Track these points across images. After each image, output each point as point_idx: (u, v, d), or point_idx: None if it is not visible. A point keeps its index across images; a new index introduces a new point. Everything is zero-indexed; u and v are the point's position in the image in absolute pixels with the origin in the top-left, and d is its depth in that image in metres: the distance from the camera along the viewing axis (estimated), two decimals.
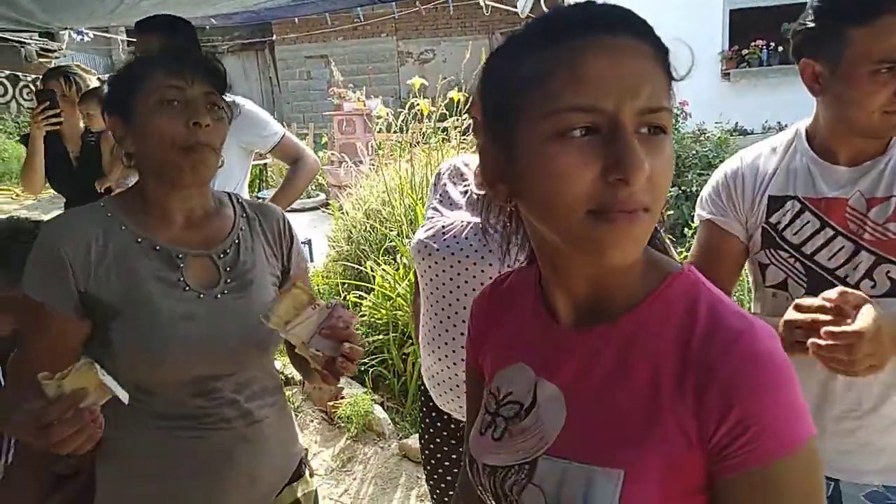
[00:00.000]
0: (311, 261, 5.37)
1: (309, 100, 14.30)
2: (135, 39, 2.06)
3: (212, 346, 1.06)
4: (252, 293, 1.12)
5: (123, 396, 0.91)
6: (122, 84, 1.08)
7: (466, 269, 1.37)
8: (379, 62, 13.63)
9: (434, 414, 1.57)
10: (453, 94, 3.72)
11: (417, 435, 2.80)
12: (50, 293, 1.02)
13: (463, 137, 4.39)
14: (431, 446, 1.63)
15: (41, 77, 3.01)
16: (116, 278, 1.03)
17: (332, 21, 11.59)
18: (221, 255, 1.12)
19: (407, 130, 4.66)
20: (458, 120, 4.18)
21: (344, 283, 4.02)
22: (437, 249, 1.41)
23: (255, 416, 1.14)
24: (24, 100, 12.09)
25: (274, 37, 13.62)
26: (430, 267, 1.43)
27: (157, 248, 1.07)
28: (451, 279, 1.39)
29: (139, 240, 1.06)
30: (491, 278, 1.37)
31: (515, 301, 0.81)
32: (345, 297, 3.90)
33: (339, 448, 2.87)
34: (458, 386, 1.43)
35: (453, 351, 1.39)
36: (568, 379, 0.68)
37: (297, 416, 3.10)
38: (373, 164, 5.66)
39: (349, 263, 4.17)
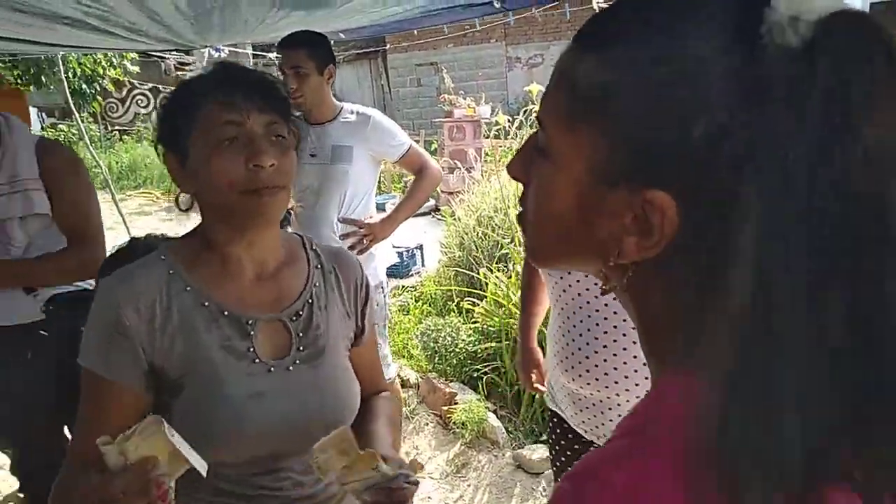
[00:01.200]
0: (423, 265, 5.48)
1: (419, 107, 14.64)
2: (279, 55, 2.18)
3: (280, 427, 0.95)
4: (324, 363, 1.00)
5: (201, 466, 0.78)
6: (173, 119, 0.95)
7: (596, 284, 1.33)
8: (488, 68, 13.70)
9: (567, 434, 1.54)
10: None
11: (532, 445, 2.79)
12: (114, 365, 0.90)
13: None
14: (560, 463, 1.61)
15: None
16: (181, 349, 0.92)
17: (444, 29, 11.78)
18: (294, 319, 0.99)
19: (518, 136, 4.65)
20: None
21: (456, 290, 4.06)
22: (569, 270, 1.38)
23: (321, 500, 1.02)
24: None
25: (387, 46, 14.05)
26: (561, 280, 1.41)
27: (226, 313, 0.94)
28: (595, 297, 1.35)
29: (205, 303, 0.94)
30: None
31: None
32: (458, 304, 3.94)
33: (453, 453, 2.90)
34: (602, 408, 1.40)
35: (596, 368, 1.36)
36: None
37: (412, 418, 3.16)
38: (484, 171, 5.69)
39: (461, 270, 4.21)
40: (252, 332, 0.95)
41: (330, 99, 2.30)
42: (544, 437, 2.91)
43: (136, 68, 12.26)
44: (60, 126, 12.63)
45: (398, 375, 2.83)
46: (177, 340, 0.92)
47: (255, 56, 15.61)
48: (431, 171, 2.42)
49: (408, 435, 3.02)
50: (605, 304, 1.35)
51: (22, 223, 1.68)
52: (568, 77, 0.46)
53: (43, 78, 9.64)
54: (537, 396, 3.05)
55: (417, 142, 2.47)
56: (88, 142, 8.91)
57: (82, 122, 8.94)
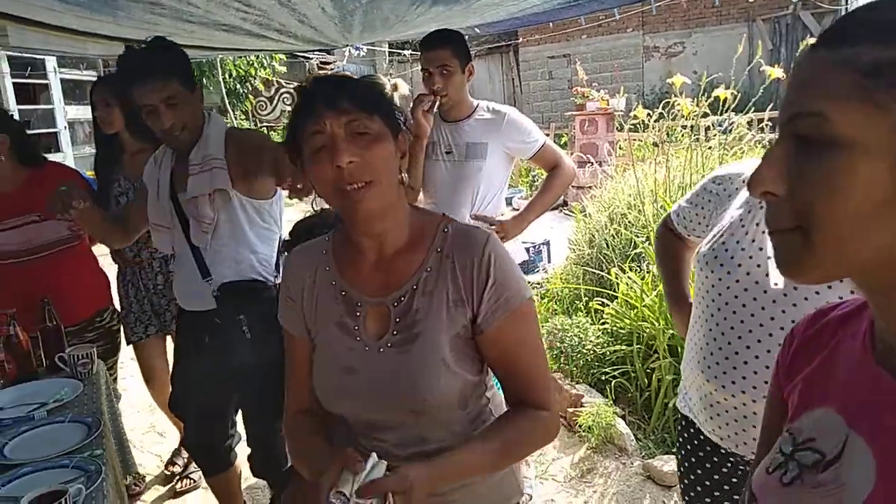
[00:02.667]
0: (549, 262, 5.40)
1: (549, 100, 14.43)
2: (423, 54, 2.22)
3: (368, 401, 1.04)
4: (413, 349, 1.01)
5: None
6: (295, 136, 1.03)
7: (765, 291, 1.22)
8: (623, 58, 13.21)
9: (698, 441, 1.44)
10: (719, 92, 3.41)
11: (664, 456, 2.66)
12: (291, 322, 1.13)
13: (724, 138, 4.04)
14: (692, 476, 1.50)
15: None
16: (315, 316, 1.09)
17: (579, 20, 11.50)
18: (395, 304, 1.04)
19: (654, 129, 4.42)
20: (722, 119, 3.86)
21: (585, 289, 3.95)
22: (729, 270, 1.28)
23: None
24: None
25: (519, 39, 13.96)
26: (718, 278, 1.31)
27: (344, 293, 1.07)
28: (754, 300, 1.25)
29: (333, 282, 1.08)
30: (794, 305, 1.23)
31: (840, 336, 0.69)
32: (586, 303, 3.84)
33: (578, 457, 2.83)
34: (742, 417, 1.29)
35: (742, 378, 1.26)
36: (886, 441, 0.56)
37: None
38: (617, 166, 5.49)
39: (590, 268, 4.09)
40: (359, 313, 1.05)
41: (468, 96, 2.32)
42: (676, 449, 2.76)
43: (283, 68, 13.14)
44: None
45: None
46: (315, 309, 1.08)
47: (391, 53, 16.16)
48: (565, 169, 2.36)
49: None
50: (763, 308, 1.24)
51: (210, 200, 1.84)
52: (849, 61, 0.50)
53: (204, 80, 10.61)
54: (671, 405, 2.89)
55: (547, 135, 2.40)
56: None
57: (235, 119, 9.71)
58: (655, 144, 4.90)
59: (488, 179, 2.28)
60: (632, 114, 4.00)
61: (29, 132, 2.54)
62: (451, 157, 2.28)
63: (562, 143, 9.80)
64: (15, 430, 1.57)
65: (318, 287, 1.08)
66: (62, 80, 9.96)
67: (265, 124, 13.76)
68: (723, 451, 1.38)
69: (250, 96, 12.83)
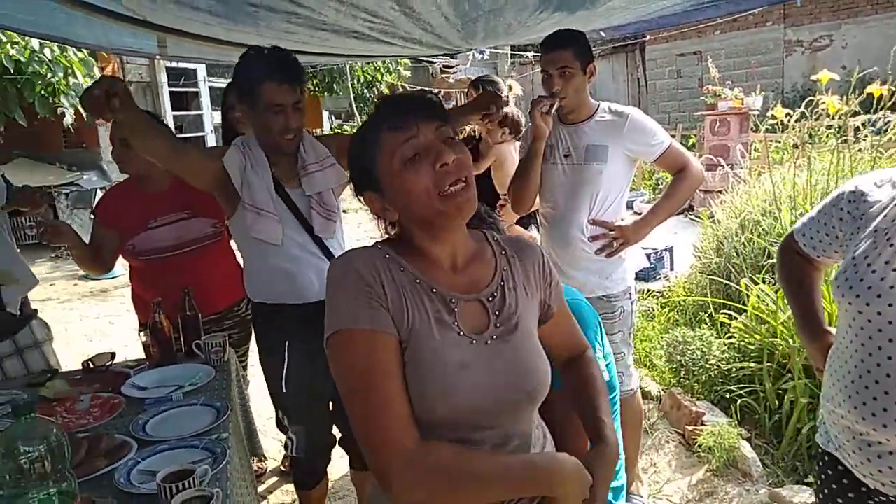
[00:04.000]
0: (672, 269, 5.14)
1: (677, 99, 13.76)
2: (543, 55, 2.18)
3: (484, 397, 1.01)
4: (518, 337, 1.07)
5: None
6: (360, 163, 1.06)
7: None
8: (761, 54, 12.31)
9: (847, 482, 1.30)
10: (874, 88, 3.08)
11: (795, 486, 2.43)
12: (373, 317, 0.98)
13: (877, 139, 3.64)
14: None
15: (472, 86, 3.60)
16: (405, 311, 1.01)
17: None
18: (490, 299, 1.08)
19: (795, 129, 4.06)
20: (875, 118, 3.48)
21: (710, 301, 3.72)
22: (868, 301, 1.15)
23: None
24: None
25: (646, 37, 13.43)
26: (868, 304, 1.18)
27: (434, 290, 1.05)
28: None
29: (418, 280, 1.04)
30: None
31: None
32: (711, 315, 3.61)
33: (696, 479, 2.66)
34: None
35: None
36: None
37: (651, 433, 2.98)
38: (751, 169, 5.12)
39: (717, 278, 3.84)
40: (455, 310, 1.05)
41: (588, 98, 2.25)
42: (810, 479, 2.52)
43: (408, 73, 13.52)
44: (345, 126, 14.47)
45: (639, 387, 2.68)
46: (403, 304, 1.01)
47: (512, 56, 16.13)
48: (693, 172, 2.23)
49: (646, 450, 2.85)
50: None
51: (335, 192, 2.01)
52: None
53: (334, 86, 11.15)
54: (804, 430, 2.65)
55: (673, 137, 2.27)
56: None
57: (362, 122, 10.11)
58: (796, 146, 4.51)
59: (608, 183, 2.20)
60: (769, 113, 3.70)
61: (181, 136, 2.84)
62: (570, 161, 2.22)
63: (689, 144, 9.30)
64: (156, 409, 1.72)
65: (400, 285, 1.03)
66: (210, 88, 10.87)
67: None
68: (882, 497, 1.23)
69: (376, 100, 13.29)
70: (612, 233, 2.20)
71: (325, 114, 13.70)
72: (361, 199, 1.09)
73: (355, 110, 11.00)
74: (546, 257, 1.21)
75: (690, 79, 13.45)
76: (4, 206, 2.09)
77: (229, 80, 2.46)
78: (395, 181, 1.01)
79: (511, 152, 3.18)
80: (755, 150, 7.53)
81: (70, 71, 5.79)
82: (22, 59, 5.36)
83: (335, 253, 1.99)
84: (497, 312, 1.07)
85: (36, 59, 5.46)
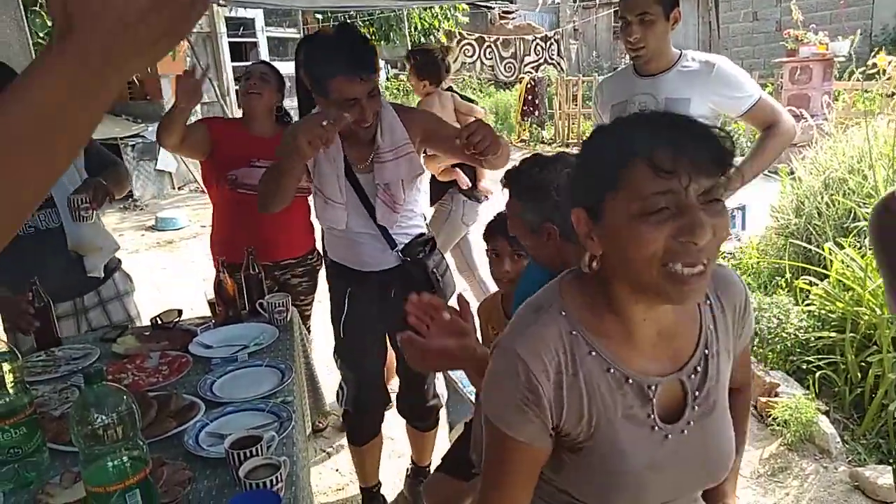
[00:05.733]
0: (744, 229, 4.88)
1: (752, 44, 12.95)
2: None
3: (668, 493, 0.92)
4: (714, 417, 0.92)
5: None
6: (590, 176, 0.85)
7: None
8: None
9: None
10: None
11: (879, 466, 2.30)
12: (523, 428, 0.86)
13: None
14: None
15: (406, 58, 3.60)
16: (587, 414, 0.86)
17: None
18: (691, 376, 0.90)
19: (888, 77, 3.71)
20: None
21: (788, 264, 3.51)
22: None
23: None
24: (486, 59, 13.94)
25: None
26: None
27: (630, 381, 0.87)
28: None
29: (610, 369, 0.86)
30: None
31: None
32: (789, 280, 3.41)
33: (769, 452, 2.55)
34: None
35: None
36: None
37: None
38: (837, 121, 4.75)
39: (796, 241, 3.62)
40: (653, 398, 0.88)
41: (670, 46, 2.07)
42: (894, 460, 2.38)
43: (465, 19, 13.14)
44: (401, 76, 14.27)
45: None
46: (584, 406, 0.86)
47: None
48: (785, 128, 2.04)
49: None
50: None
51: (405, 184, 1.92)
52: None
53: (391, 34, 10.95)
54: (890, 407, 2.49)
55: None
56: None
57: None
58: (889, 96, 4.14)
59: None
60: (871, 62, 3.38)
61: (238, 87, 2.86)
62: None
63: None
64: (222, 369, 1.73)
65: (585, 379, 0.85)
66: (268, 38, 10.85)
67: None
68: None
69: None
70: None
71: (382, 63, 13.52)
72: (571, 212, 0.86)
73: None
74: (748, 295, 0.98)
75: (767, 22, 12.61)
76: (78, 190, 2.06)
77: (299, 38, 2.46)
78: (622, 225, 0.78)
79: (437, 102, 3.33)
80: (842, 100, 7.01)
81: None
82: None
83: (395, 235, 1.96)
84: (696, 392, 0.90)
85: None
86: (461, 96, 3.62)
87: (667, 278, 0.78)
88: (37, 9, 5.20)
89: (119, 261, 2.37)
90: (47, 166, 0.47)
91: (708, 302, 0.94)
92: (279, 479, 1.17)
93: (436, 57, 3.48)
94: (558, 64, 13.73)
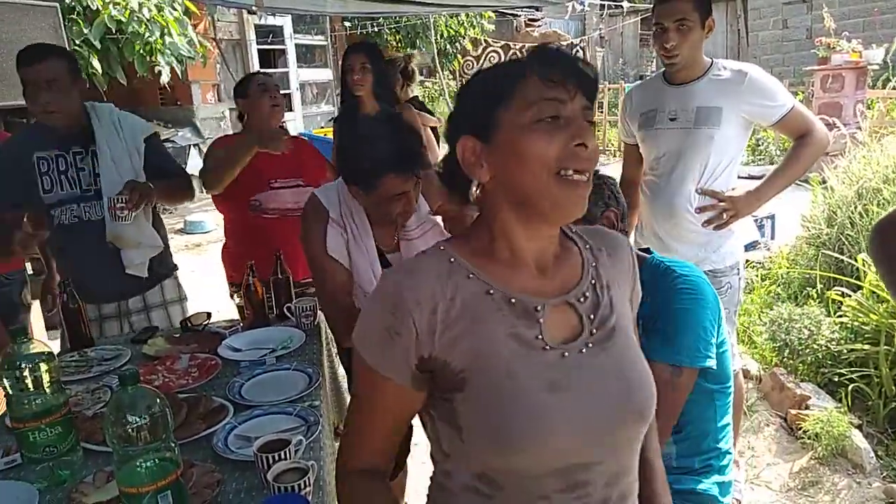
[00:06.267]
0: (772, 238, 4.80)
1: (781, 52, 12.75)
2: (658, 7, 1.99)
3: (586, 422, 0.83)
4: (616, 344, 0.89)
5: None
6: (478, 98, 0.87)
7: None
8: (882, 0, 11.14)
9: None
10: None
11: None
12: (385, 359, 0.85)
13: None
14: None
15: None
16: (465, 340, 0.83)
17: None
18: (581, 300, 0.90)
19: None
20: None
21: (819, 274, 3.44)
22: None
23: None
24: None
25: None
26: None
27: (512, 300, 0.85)
28: None
29: (490, 291, 0.85)
30: None
31: None
32: (820, 291, 3.34)
33: (799, 466, 2.50)
34: None
35: None
36: None
37: (749, 415, 2.81)
38: (871, 130, 4.66)
39: (828, 251, 3.55)
40: (541, 319, 0.86)
41: (702, 55, 2.05)
42: None
43: (491, 27, 13.16)
44: (426, 83, 14.34)
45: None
46: (461, 332, 0.84)
47: (602, 7, 15.39)
48: (818, 137, 2.00)
49: (744, 433, 2.70)
50: None
51: None
52: None
53: (417, 41, 11.02)
54: None
55: None
56: (448, 97, 9.96)
57: (444, 78, 9.98)
58: None
59: (720, 149, 2.02)
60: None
61: None
62: (677, 124, 2.05)
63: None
64: (250, 372, 1.74)
65: (462, 303, 0.84)
66: (296, 45, 10.99)
67: None
68: None
69: (458, 56, 13.09)
70: (722, 204, 2.02)
71: None
72: (451, 143, 0.89)
73: (438, 66, 10.85)
74: (634, 253, 1.02)
75: (798, 29, 12.40)
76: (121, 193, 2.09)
77: (345, 49, 2.47)
78: (515, 137, 0.82)
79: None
80: (872, 108, 6.87)
81: (166, 30, 5.95)
82: (123, 19, 5.55)
83: None
84: (591, 316, 0.89)
85: (135, 18, 5.64)
86: (421, 107, 3.54)
87: (560, 184, 0.82)
88: (74, 17, 5.33)
89: (175, 267, 2.39)
90: None
91: (588, 246, 0.96)
92: (307, 482, 1.18)
93: (398, 67, 3.42)
94: None
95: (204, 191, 2.44)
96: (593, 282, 0.92)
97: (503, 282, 0.87)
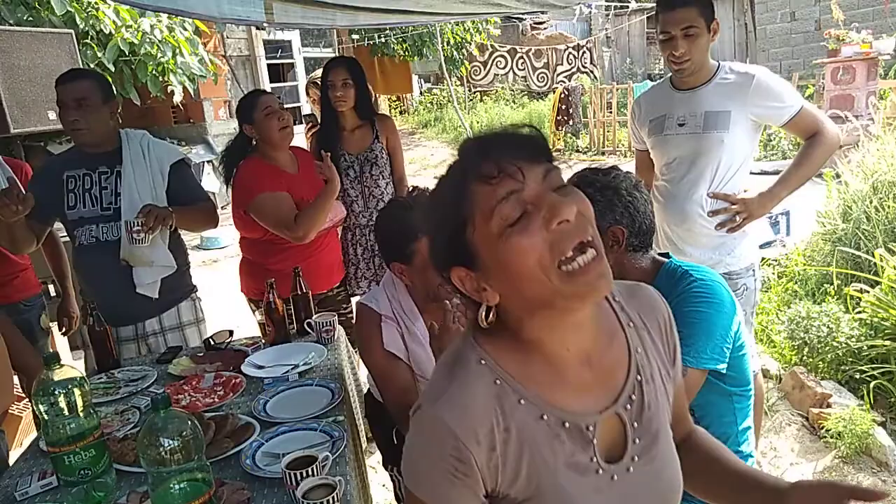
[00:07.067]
0: (788, 235, 4.78)
1: (790, 45, 12.66)
2: (663, 14, 2.01)
3: None
4: (659, 449, 0.84)
5: None
6: (447, 227, 0.78)
7: None
8: None
9: None
10: None
11: None
12: (452, 498, 0.77)
13: None
14: None
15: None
16: (525, 472, 0.78)
17: None
18: (628, 406, 0.83)
19: None
20: None
21: (836, 271, 3.42)
22: None
23: None
24: (518, 70, 13.98)
25: None
26: None
27: (566, 424, 0.79)
28: None
29: (543, 416, 0.78)
30: None
31: None
32: (838, 288, 3.33)
33: (822, 465, 2.49)
34: None
35: None
36: None
37: (770, 415, 2.80)
38: (884, 122, 4.63)
39: (844, 247, 3.53)
40: (594, 440, 0.80)
41: (709, 59, 2.06)
42: None
43: (497, 31, 13.21)
44: (434, 90, 14.40)
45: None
46: (521, 464, 0.78)
47: (607, 7, 15.38)
48: (828, 137, 2.01)
49: (765, 433, 2.69)
50: None
51: None
52: None
53: (423, 49, 11.08)
54: None
55: None
56: (456, 103, 10.00)
57: (451, 85, 10.02)
58: None
59: (731, 152, 2.03)
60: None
61: None
62: (686, 129, 2.06)
63: (806, 95, 8.55)
64: (274, 389, 1.78)
65: (517, 433, 0.77)
66: (304, 59, 11.09)
67: (478, 89, 14.03)
68: None
69: (465, 62, 13.15)
70: (735, 207, 2.03)
71: (415, 78, 13.68)
72: (448, 277, 0.81)
73: (445, 73, 10.90)
74: (669, 312, 0.94)
75: (806, 21, 12.31)
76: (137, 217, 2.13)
77: (332, 56, 2.48)
78: (496, 253, 0.74)
79: None
80: (884, 99, 6.81)
81: (178, 50, 6.05)
82: (135, 41, 5.65)
83: None
84: (635, 423, 0.83)
85: (147, 40, 5.74)
86: None
87: (566, 279, 0.73)
88: (88, 41, 5.44)
89: (193, 289, 2.44)
90: None
91: (631, 324, 0.88)
92: (336, 498, 1.21)
93: None
94: (591, 72, 13.68)
95: (293, 238, 2.40)
96: (639, 378, 0.85)
97: (553, 401, 0.80)
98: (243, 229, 2.52)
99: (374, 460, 2.85)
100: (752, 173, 2.17)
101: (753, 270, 2.14)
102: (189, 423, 1.11)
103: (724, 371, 1.35)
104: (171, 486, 1.09)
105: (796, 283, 3.78)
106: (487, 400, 0.78)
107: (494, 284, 0.78)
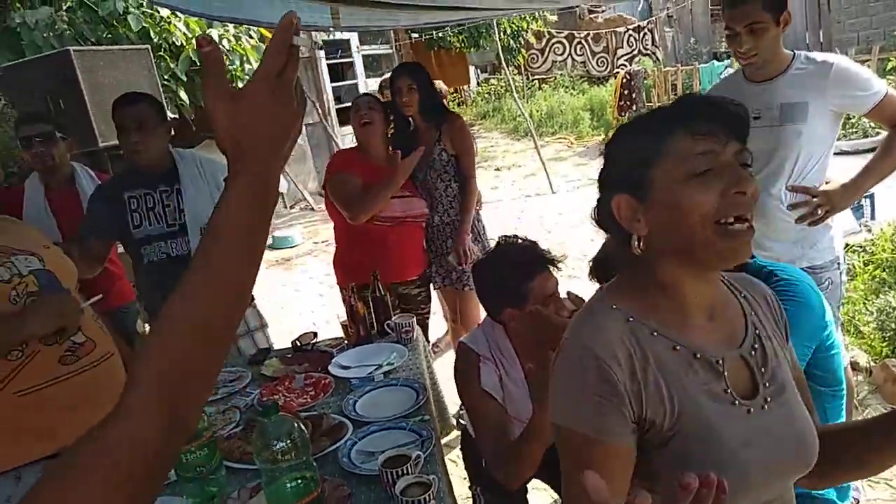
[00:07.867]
0: (872, 219, 4.56)
1: (868, 14, 11.94)
2: (726, 11, 1.97)
3: (769, 477, 0.87)
4: (788, 398, 0.92)
5: None
6: (632, 158, 0.89)
7: None
8: None
9: None
10: None
11: None
12: (607, 427, 0.84)
13: None
14: None
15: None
16: (668, 398, 0.85)
17: None
18: (752, 353, 0.92)
19: None
20: None
21: None
22: None
23: None
24: (577, 56, 13.76)
25: None
26: None
27: (698, 355, 0.88)
28: None
29: (677, 347, 0.87)
30: None
31: None
32: None
33: None
34: None
35: None
36: None
37: (860, 410, 2.71)
38: None
39: None
40: (725, 373, 0.88)
41: (782, 50, 2.01)
42: None
43: (553, 18, 13.04)
44: (491, 80, 14.35)
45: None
46: (662, 389, 0.85)
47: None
48: None
49: None
50: None
51: None
52: None
53: (480, 40, 11.08)
54: None
55: (867, 62, 1.93)
56: (514, 92, 9.95)
57: (509, 74, 9.99)
58: None
59: (809, 144, 1.98)
60: None
61: (339, 106, 3.05)
62: (762, 123, 2.01)
63: (888, 68, 8.08)
64: (362, 389, 1.87)
65: (656, 362, 0.86)
66: (363, 56, 11.27)
67: (537, 76, 13.89)
68: None
69: (522, 50, 13.04)
70: (816, 199, 1.98)
71: (472, 69, 13.68)
72: (606, 202, 0.92)
73: (503, 62, 10.87)
74: (777, 300, 1.02)
75: None
76: None
77: (388, 53, 2.57)
78: (671, 193, 0.85)
79: None
80: None
81: (245, 58, 6.28)
82: None
83: None
84: (762, 369, 0.91)
85: None
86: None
87: (721, 235, 0.83)
88: (161, 53, 5.72)
89: (252, 297, 2.58)
90: (256, 263, 0.66)
91: (744, 295, 0.98)
92: (431, 496, 1.28)
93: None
94: (654, 54, 13.31)
95: (348, 217, 2.60)
96: (757, 332, 0.94)
97: (679, 333, 0.89)
98: (331, 214, 2.78)
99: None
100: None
101: (838, 264, 2.08)
102: (295, 425, 1.20)
103: (810, 371, 1.34)
104: (285, 483, 1.19)
105: (884, 270, 3.62)
106: (623, 332, 0.87)
107: (652, 218, 0.88)
